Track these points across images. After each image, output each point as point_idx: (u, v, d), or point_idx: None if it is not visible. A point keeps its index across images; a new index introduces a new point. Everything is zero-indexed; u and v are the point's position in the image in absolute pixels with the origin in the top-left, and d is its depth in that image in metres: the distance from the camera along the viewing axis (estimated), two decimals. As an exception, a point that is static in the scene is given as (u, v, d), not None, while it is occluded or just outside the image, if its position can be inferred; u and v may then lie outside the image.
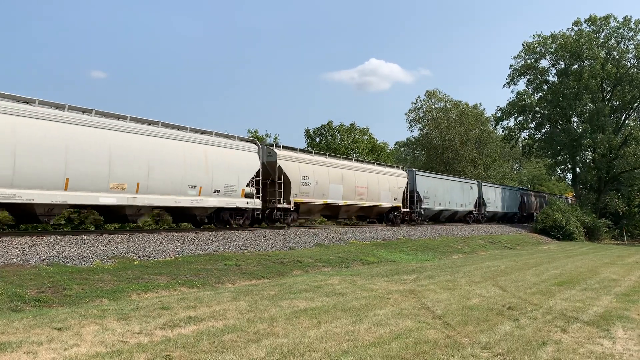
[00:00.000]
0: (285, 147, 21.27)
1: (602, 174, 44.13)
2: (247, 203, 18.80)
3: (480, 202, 38.52)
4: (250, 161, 19.04)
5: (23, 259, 10.61)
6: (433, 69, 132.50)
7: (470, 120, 56.70)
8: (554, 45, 45.11)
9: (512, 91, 69.54)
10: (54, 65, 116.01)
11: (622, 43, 43.99)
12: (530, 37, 68.39)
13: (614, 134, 42.41)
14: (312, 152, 23.34)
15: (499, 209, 41.77)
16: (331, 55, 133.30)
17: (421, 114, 59.96)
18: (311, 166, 21.77)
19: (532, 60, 46.62)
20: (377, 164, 28.29)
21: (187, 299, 8.53)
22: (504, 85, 50.00)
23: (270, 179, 20.24)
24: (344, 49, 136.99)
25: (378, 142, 53.98)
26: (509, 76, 48.01)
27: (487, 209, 39.28)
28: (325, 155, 24.13)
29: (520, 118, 48.52)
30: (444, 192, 33.75)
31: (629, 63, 43.43)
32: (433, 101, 59.38)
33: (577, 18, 45.02)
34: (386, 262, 16.58)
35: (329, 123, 51.03)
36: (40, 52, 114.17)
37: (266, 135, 46.52)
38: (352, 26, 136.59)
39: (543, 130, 48.38)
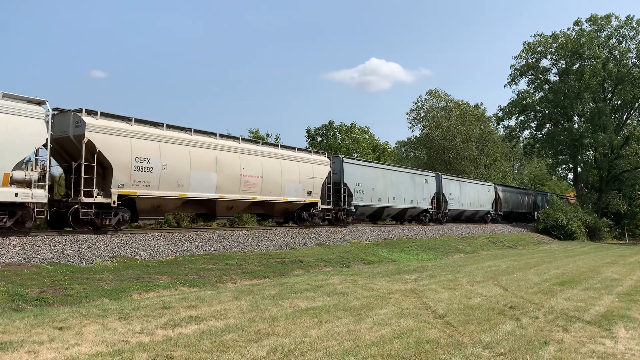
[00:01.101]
0: (106, 115, 15.00)
1: (603, 173, 44.06)
2: (17, 195, 12.40)
3: (439, 199, 33.22)
4: (25, 129, 12.65)
5: (24, 259, 10.62)
6: (434, 69, 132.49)
7: (471, 120, 56.64)
8: (555, 44, 45.06)
9: (513, 91, 69.28)
10: (53, 64, 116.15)
11: (624, 42, 43.92)
12: (531, 36, 68.37)
13: (615, 133, 42.34)
14: (162, 126, 16.47)
15: (466, 207, 36.42)
16: (331, 55, 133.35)
17: (422, 114, 59.93)
18: (155, 144, 15.70)
19: (533, 60, 46.57)
20: (282, 147, 21.45)
21: (188, 299, 8.53)
22: (505, 85, 49.92)
23: (78, 161, 14.11)
24: (345, 48, 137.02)
25: (379, 142, 54.00)
26: (510, 76, 47.97)
27: (450, 207, 34.03)
28: (189, 131, 17.25)
29: (521, 117, 48.47)
30: (386, 185, 27.32)
31: (630, 62, 43.36)
32: (434, 101, 59.35)
33: (578, 17, 44.98)
34: (387, 261, 16.57)
35: (330, 123, 51.02)
36: (40, 51, 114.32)
37: (267, 135, 46.50)
38: (352, 26, 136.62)
39: (544, 130, 48.31)
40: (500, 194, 42.34)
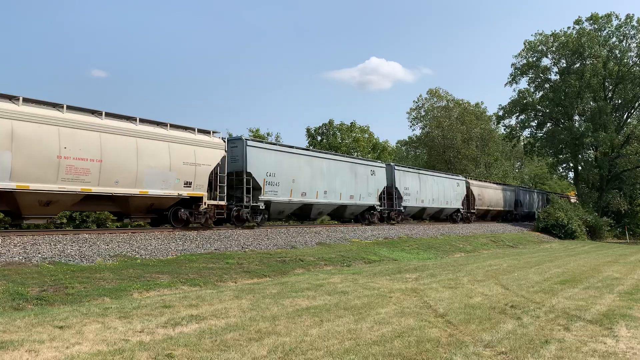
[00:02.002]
0: None
1: (604, 172, 44.07)
2: None
3: (391, 194, 28.46)
4: None
5: (25, 258, 10.62)
6: (434, 68, 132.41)
7: (471, 119, 56.67)
8: (556, 43, 45.07)
9: (514, 90, 69.70)
10: (53, 64, 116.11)
11: (624, 41, 43.93)
12: (531, 35, 68.52)
13: (616, 132, 42.35)
14: None
15: (427, 204, 31.74)
16: (332, 54, 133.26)
17: (423, 113, 59.96)
18: None
19: (534, 59, 46.57)
20: (142, 121, 15.68)
21: (188, 298, 8.52)
22: (505, 84, 49.98)
23: None
24: (345, 47, 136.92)
25: (379, 140, 53.98)
26: (511, 75, 48.04)
27: (406, 203, 29.24)
28: None
29: (522, 117, 48.50)
30: (314, 176, 22.52)
31: (630, 61, 43.36)
32: (435, 100, 59.37)
33: (579, 16, 45.00)
34: (388, 260, 16.56)
35: (330, 122, 51.02)
36: (40, 51, 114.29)
37: (268, 134, 46.53)
38: (352, 25, 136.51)
39: (545, 129, 48.33)
40: (474, 189, 38.06)
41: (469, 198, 37.34)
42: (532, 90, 47.39)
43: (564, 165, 50.92)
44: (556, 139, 44.71)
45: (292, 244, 17.16)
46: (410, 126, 72.88)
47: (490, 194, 40.44)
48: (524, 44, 46.66)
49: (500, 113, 49.19)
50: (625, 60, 43.18)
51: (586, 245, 31.04)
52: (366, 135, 52.33)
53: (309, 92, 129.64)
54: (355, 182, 24.96)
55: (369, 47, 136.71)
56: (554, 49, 45.43)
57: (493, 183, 42.78)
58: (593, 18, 44.13)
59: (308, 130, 51.84)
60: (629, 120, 45.86)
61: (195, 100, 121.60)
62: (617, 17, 43.64)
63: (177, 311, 7.36)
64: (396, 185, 28.58)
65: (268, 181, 19.81)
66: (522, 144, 55.07)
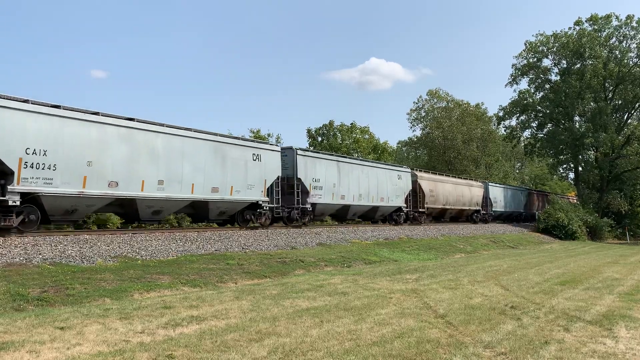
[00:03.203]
0: None
1: (604, 173, 44.06)
2: None
3: (293, 187, 21.62)
4: None
5: (26, 259, 10.64)
6: (434, 68, 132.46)
7: (472, 120, 56.67)
8: (556, 44, 45.07)
9: (514, 90, 69.66)
10: (52, 64, 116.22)
11: (624, 42, 43.94)
12: (532, 36, 68.55)
13: (616, 133, 42.34)
14: None
15: (350, 201, 24.74)
16: (332, 55, 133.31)
17: (423, 114, 59.98)
18: None
19: (534, 60, 46.57)
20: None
21: (189, 298, 8.54)
22: (506, 85, 49.96)
23: None
24: (345, 48, 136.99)
25: (379, 141, 53.99)
26: (511, 75, 48.02)
27: (317, 200, 22.48)
28: None
29: (522, 117, 48.51)
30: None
31: (631, 62, 43.36)
32: (435, 100, 59.39)
33: (579, 17, 45.00)
34: (388, 261, 16.57)
35: (330, 122, 51.06)
36: (40, 51, 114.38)
37: (268, 135, 46.59)
38: (352, 25, 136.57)
39: (545, 130, 48.32)
40: (424, 183, 31.39)
41: (417, 194, 30.48)
42: (532, 91, 47.40)
43: (565, 166, 50.92)
44: (556, 139, 44.71)
45: (292, 244, 17.17)
46: (411, 127, 72.93)
47: (448, 190, 33.92)
48: (525, 44, 46.68)
49: (501, 114, 49.20)
50: (626, 61, 43.18)
51: (586, 246, 31.04)
52: (366, 136, 52.36)
53: (309, 93, 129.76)
54: (224, 171, 18.57)
55: (369, 47, 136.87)
56: (554, 49, 45.43)
57: (453, 177, 36.90)
58: (593, 19, 44.15)
59: (309, 131, 51.92)
60: (629, 120, 45.85)
61: (195, 100, 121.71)
62: (617, 17, 43.68)
63: (177, 312, 7.37)
64: (298, 176, 21.51)
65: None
66: (523, 144, 55.06)
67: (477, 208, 37.81)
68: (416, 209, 30.79)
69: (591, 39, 42.75)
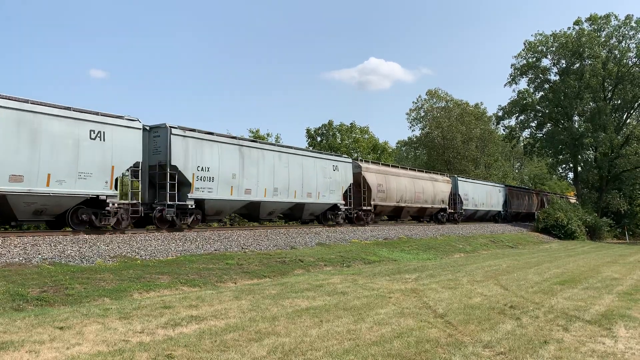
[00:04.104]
0: None
1: (603, 173, 44.09)
2: None
3: (175, 180, 16.35)
4: None
5: (25, 259, 10.64)
6: (434, 68, 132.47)
7: (471, 120, 56.71)
8: (556, 44, 45.08)
9: (514, 90, 69.51)
10: (51, 63, 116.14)
11: (623, 42, 43.96)
12: (531, 36, 68.51)
13: (615, 133, 42.36)
14: None
15: (266, 197, 19.63)
16: (331, 54, 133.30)
17: (422, 113, 60.00)
18: None
19: (534, 59, 46.58)
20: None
21: (188, 298, 8.54)
22: (505, 85, 49.99)
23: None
24: (344, 48, 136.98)
25: (379, 141, 54.00)
26: (511, 75, 48.01)
27: (201, 194, 17.10)
28: None
29: (521, 117, 48.51)
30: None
31: (630, 62, 43.39)
32: (434, 100, 59.41)
33: (578, 17, 45.01)
34: (388, 261, 16.58)
35: (330, 122, 51.07)
36: (39, 50, 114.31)
37: (268, 135, 46.62)
38: (351, 25, 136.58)
39: (544, 130, 48.34)
40: (370, 177, 26.13)
41: (361, 189, 25.50)
42: (531, 90, 47.41)
43: (564, 165, 50.94)
44: (556, 139, 44.73)
45: (292, 244, 17.18)
46: (410, 127, 72.97)
47: (404, 185, 28.87)
48: (524, 44, 46.68)
49: (500, 113, 49.21)
50: (625, 61, 43.22)
51: (586, 245, 31.06)
52: (366, 136, 52.37)
53: (308, 93, 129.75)
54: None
55: (368, 47, 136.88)
56: (553, 49, 45.45)
57: (412, 170, 31.74)
58: (592, 19, 44.18)
59: (308, 130, 51.92)
60: (628, 120, 45.88)
61: (195, 99, 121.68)
62: (616, 17, 43.71)
63: (177, 312, 7.38)
64: (171, 162, 16.13)
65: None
66: (522, 144, 55.10)
67: (443, 206, 32.76)
68: (360, 207, 25.32)
69: (590, 39, 42.78)
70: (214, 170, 17.55)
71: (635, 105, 45.11)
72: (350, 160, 25.28)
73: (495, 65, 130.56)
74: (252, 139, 21.65)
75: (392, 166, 30.15)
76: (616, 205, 45.80)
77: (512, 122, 49.23)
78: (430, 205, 31.42)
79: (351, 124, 51.72)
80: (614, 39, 44.03)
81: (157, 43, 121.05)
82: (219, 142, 17.95)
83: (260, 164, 19.41)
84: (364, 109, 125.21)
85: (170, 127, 16.27)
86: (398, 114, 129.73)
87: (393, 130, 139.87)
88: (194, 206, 16.95)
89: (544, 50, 45.87)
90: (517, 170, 79.07)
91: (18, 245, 11.56)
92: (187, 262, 12.35)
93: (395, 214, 29.76)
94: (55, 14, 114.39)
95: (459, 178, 35.81)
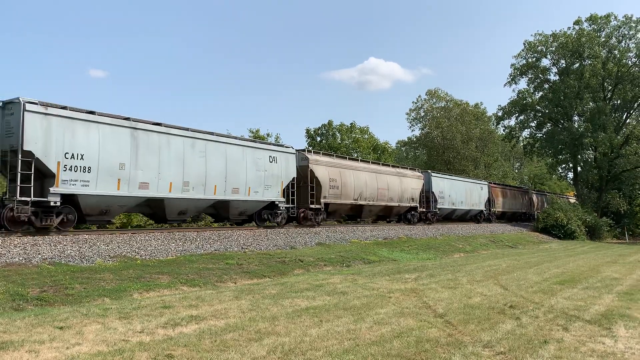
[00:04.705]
0: None
1: (603, 172, 44.11)
2: None
3: (28, 168, 12.67)
4: None
5: (25, 259, 10.64)
6: (433, 68, 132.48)
7: (471, 120, 56.72)
8: (555, 44, 45.11)
9: (513, 90, 69.44)
10: (51, 63, 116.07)
11: (623, 42, 44.00)
12: (531, 36, 68.52)
13: (615, 132, 42.38)
14: None
15: (172, 193, 16.04)
16: (331, 54, 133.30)
17: (422, 113, 60.00)
18: None
19: (534, 59, 46.60)
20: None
21: (188, 298, 8.54)
22: (505, 84, 50.03)
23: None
24: (343, 47, 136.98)
25: (379, 141, 53.99)
26: (510, 75, 48.04)
27: (73, 188, 13.46)
28: None
29: (521, 117, 48.54)
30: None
31: (629, 62, 43.42)
32: (434, 100, 59.42)
33: (578, 17, 45.03)
34: (387, 261, 16.58)
35: (329, 122, 51.05)
36: (38, 50, 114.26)
37: (267, 135, 46.60)
38: (351, 25, 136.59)
39: (544, 129, 48.36)
40: (321, 170, 22.57)
41: (308, 184, 21.91)
42: (531, 90, 47.43)
43: (564, 165, 50.97)
44: (555, 139, 44.75)
45: (291, 244, 17.18)
46: (410, 127, 72.94)
47: (364, 180, 25.14)
48: (524, 44, 46.71)
49: (500, 113, 49.24)
50: (625, 61, 43.24)
51: (585, 245, 31.06)
52: (366, 136, 52.35)
53: (308, 93, 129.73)
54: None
55: (368, 47, 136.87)
56: (553, 49, 45.47)
57: (374, 164, 27.84)
58: (592, 19, 44.21)
59: (308, 131, 51.92)
60: (628, 120, 45.92)
61: (194, 99, 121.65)
62: (616, 17, 43.74)
63: (177, 312, 7.38)
64: (28, 148, 12.63)
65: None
66: (522, 144, 55.12)
67: (414, 205, 29.22)
68: (306, 206, 21.88)
69: (590, 39, 42.80)
70: (91, 159, 13.83)
71: (635, 105, 45.14)
72: (293, 150, 21.32)
73: (495, 65, 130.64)
74: (152, 121, 15.61)
75: (350, 159, 26.21)
76: (616, 205, 45.84)
77: (512, 122, 49.31)
78: (396, 204, 27.70)
79: (351, 124, 51.73)
80: (614, 39, 44.07)
81: (156, 43, 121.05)
82: (99, 122, 14.10)
83: (163, 152, 15.55)
84: (363, 109, 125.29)
85: (25, 102, 12.66)
86: (398, 114, 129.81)
87: (393, 130, 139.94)
88: (59, 203, 13.17)
89: (544, 50, 45.89)
90: (516, 170, 79.07)
91: (18, 245, 11.55)
92: (187, 262, 12.35)
93: (355, 214, 26.15)
94: (55, 14, 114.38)
95: (432, 173, 32.59)
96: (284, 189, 20.49)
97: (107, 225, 17.15)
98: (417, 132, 61.74)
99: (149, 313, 7.22)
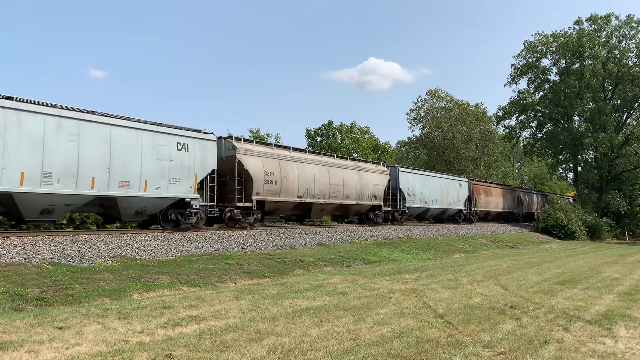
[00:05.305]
0: None
1: (603, 173, 44.09)
2: None
3: None
4: None
5: (25, 259, 10.63)
6: (433, 68, 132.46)
7: (471, 120, 56.70)
8: (555, 44, 45.08)
9: (514, 90, 69.54)
10: (50, 63, 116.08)
11: (624, 42, 43.97)
12: (531, 36, 68.54)
13: (615, 133, 42.37)
14: None
15: (33, 186, 12.61)
16: (331, 54, 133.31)
17: (422, 114, 59.98)
18: None
19: (534, 59, 46.58)
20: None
21: (188, 298, 8.53)
22: (505, 85, 50.01)
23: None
24: (343, 48, 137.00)
25: (380, 141, 53.98)
26: (511, 75, 48.00)
27: None
28: None
29: (521, 117, 48.51)
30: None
31: (630, 62, 43.39)
32: (434, 100, 59.39)
33: (579, 17, 45.00)
34: (388, 261, 16.57)
35: (330, 122, 51.05)
36: (37, 50, 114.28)
37: (267, 135, 46.59)
38: (350, 25, 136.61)
39: (544, 130, 48.34)
40: (253, 162, 19.04)
41: (236, 178, 18.38)
42: (531, 90, 47.41)
43: (564, 165, 50.96)
44: (556, 139, 44.73)
45: (291, 244, 17.16)
46: (410, 127, 72.94)
47: (312, 174, 21.97)
48: (524, 44, 46.67)
49: (500, 114, 49.23)
50: (625, 61, 43.22)
51: (586, 245, 31.04)
52: (366, 137, 52.34)
53: (308, 93, 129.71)
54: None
55: (368, 47, 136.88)
56: (553, 49, 45.44)
57: (325, 156, 24.27)
58: (593, 19, 44.19)
59: (308, 131, 51.92)
60: (628, 120, 45.91)
61: (194, 99, 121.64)
62: (616, 17, 43.72)
63: (176, 312, 7.37)
64: None
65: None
66: (522, 144, 55.10)
67: (377, 203, 26.10)
68: (233, 204, 18.36)
69: (590, 39, 42.78)
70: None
71: (635, 105, 45.13)
72: (213, 137, 17.65)
73: (495, 65, 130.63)
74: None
75: (295, 149, 22.12)
76: (616, 205, 45.82)
77: (512, 122, 49.28)
78: (354, 202, 24.44)
79: (351, 124, 51.73)
80: (614, 39, 44.04)
81: (156, 43, 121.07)
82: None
83: (10, 133, 12.19)
84: (363, 109, 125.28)
85: None
86: (398, 114, 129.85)
87: (393, 130, 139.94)
88: None
89: (544, 50, 45.87)
90: (517, 171, 79.06)
91: (18, 245, 11.55)
92: (186, 262, 12.34)
93: (302, 213, 23.03)
94: (55, 14, 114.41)
95: (400, 168, 29.38)
96: (199, 184, 17.11)
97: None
98: (418, 132, 61.73)
99: (149, 313, 7.21)
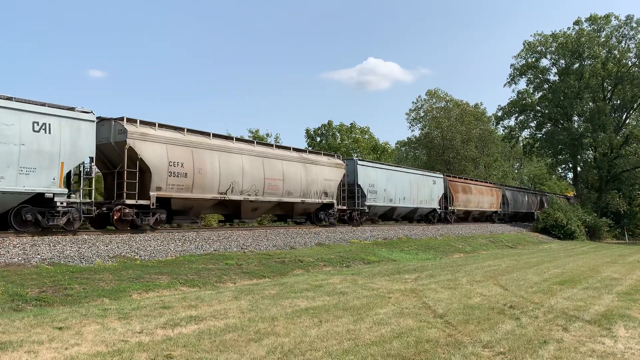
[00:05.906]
0: None
1: (603, 173, 44.12)
2: None
3: None
4: None
5: (24, 259, 10.62)
6: (433, 68, 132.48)
7: (471, 120, 56.72)
8: (555, 44, 45.12)
9: (513, 90, 69.42)
10: (50, 63, 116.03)
11: (623, 42, 44.02)
12: (531, 36, 68.47)
13: (615, 133, 42.41)
14: None
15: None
16: (330, 55, 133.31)
17: (422, 114, 59.99)
18: None
19: (533, 60, 46.61)
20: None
21: (188, 299, 8.53)
22: (504, 85, 50.13)
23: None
24: (343, 48, 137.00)
25: (379, 141, 53.97)
26: (510, 75, 48.06)
27: None
28: None
29: (521, 117, 48.56)
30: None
31: (629, 62, 43.43)
32: (434, 100, 59.40)
33: (578, 17, 45.07)
34: (387, 261, 16.57)
35: (329, 123, 51.04)
36: (37, 50, 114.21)
37: (267, 135, 46.57)
38: (350, 26, 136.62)
39: (544, 130, 48.39)
40: (150, 147, 15.41)
41: (127, 169, 14.87)
42: (531, 90, 47.46)
43: (563, 165, 50.98)
44: (555, 139, 44.76)
45: (291, 244, 17.16)
46: (409, 127, 72.94)
47: (240, 166, 18.29)
48: (523, 44, 46.71)
49: (500, 114, 49.27)
50: (624, 61, 43.26)
51: (585, 245, 31.05)
52: (366, 137, 52.33)
53: (307, 93, 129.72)
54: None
55: (367, 47, 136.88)
56: (553, 49, 45.48)
57: (260, 145, 20.37)
58: (592, 19, 44.22)
59: (307, 131, 51.90)
60: (627, 120, 45.96)
61: (195, 100, 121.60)
62: (616, 17, 43.74)
63: (176, 312, 7.37)
64: None
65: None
66: (521, 144, 55.12)
67: (329, 201, 22.68)
68: (122, 201, 14.83)
69: (590, 39, 42.81)
70: None
71: (635, 105, 45.17)
72: (91, 116, 14.09)
73: (494, 66, 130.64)
74: None
75: (216, 136, 18.10)
76: (615, 205, 45.84)
77: (512, 122, 49.33)
78: (299, 199, 21.00)
79: (351, 124, 51.72)
80: (614, 39, 44.08)
81: (156, 43, 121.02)
82: None
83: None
84: (363, 109, 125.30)
85: None
86: (397, 114, 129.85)
87: (393, 130, 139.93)
88: None
89: (544, 50, 45.91)
90: (516, 171, 79.08)
91: (17, 245, 11.54)
92: (186, 263, 12.34)
93: (230, 212, 19.40)
94: (55, 14, 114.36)
95: (359, 162, 25.31)
96: (72, 175, 14.24)
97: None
98: (417, 133, 61.75)
99: (148, 313, 7.21)
